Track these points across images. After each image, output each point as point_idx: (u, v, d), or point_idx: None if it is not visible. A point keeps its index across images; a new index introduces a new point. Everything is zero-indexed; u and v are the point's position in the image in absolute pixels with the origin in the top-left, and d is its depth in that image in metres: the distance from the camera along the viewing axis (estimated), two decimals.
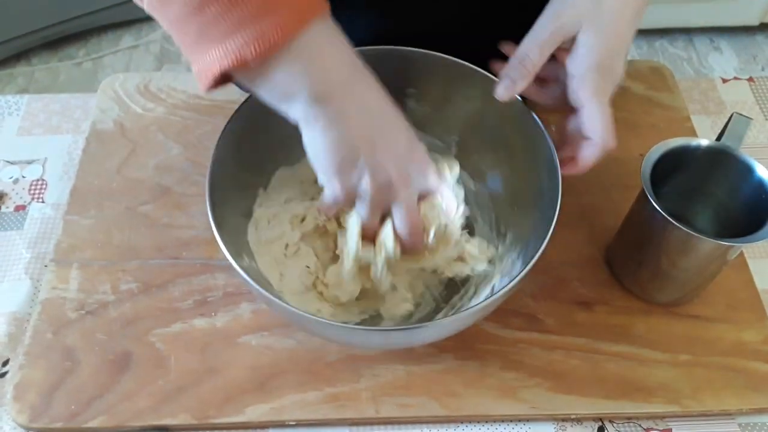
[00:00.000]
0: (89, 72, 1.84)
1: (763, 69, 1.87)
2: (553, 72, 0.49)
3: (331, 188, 0.44)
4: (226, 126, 0.51)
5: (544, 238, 0.45)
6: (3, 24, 1.74)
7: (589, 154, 0.48)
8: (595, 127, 0.47)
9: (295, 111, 0.42)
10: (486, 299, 0.45)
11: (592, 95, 0.46)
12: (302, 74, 0.40)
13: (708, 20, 1.86)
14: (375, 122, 0.43)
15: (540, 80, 0.50)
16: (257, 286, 0.44)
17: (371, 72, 0.43)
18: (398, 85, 0.55)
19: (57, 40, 1.86)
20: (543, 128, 0.50)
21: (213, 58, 0.38)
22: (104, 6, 1.83)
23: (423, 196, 0.47)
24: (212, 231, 0.46)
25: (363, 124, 0.42)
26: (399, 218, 0.46)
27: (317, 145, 0.43)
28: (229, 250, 0.45)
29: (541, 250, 0.45)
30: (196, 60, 0.40)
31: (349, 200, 0.46)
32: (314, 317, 0.45)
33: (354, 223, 0.48)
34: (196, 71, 0.40)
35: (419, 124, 0.60)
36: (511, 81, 0.48)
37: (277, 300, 0.44)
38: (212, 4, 0.37)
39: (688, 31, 1.95)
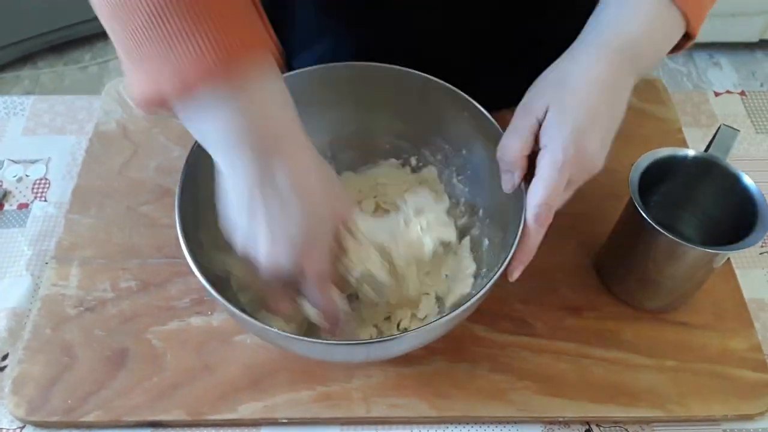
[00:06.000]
0: (94, 76, 1.87)
1: (762, 85, 1.89)
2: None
3: (234, 242, 0.43)
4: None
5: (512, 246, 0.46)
6: (10, 27, 1.76)
7: (522, 226, 0.45)
8: (533, 195, 0.44)
9: (219, 151, 0.40)
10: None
11: (548, 166, 0.44)
12: (238, 116, 0.38)
13: (708, 36, 1.88)
14: (293, 194, 0.40)
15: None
16: (220, 298, 0.44)
17: (303, 129, 0.42)
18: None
19: (63, 44, 1.89)
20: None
21: (157, 75, 0.36)
22: None
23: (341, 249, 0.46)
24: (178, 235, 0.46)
25: (278, 191, 0.40)
26: (309, 295, 0.45)
27: (228, 194, 0.41)
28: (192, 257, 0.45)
29: (502, 269, 0.45)
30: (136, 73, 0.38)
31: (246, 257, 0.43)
32: (268, 328, 0.44)
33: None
34: (136, 90, 0.38)
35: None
36: (510, 176, 0.48)
37: (238, 312, 0.43)
38: (171, 16, 0.35)
39: None
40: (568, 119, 0.44)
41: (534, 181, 0.45)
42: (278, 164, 0.40)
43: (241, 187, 0.40)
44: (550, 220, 0.45)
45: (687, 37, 0.49)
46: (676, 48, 0.50)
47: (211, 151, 0.41)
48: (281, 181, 0.40)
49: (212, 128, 0.39)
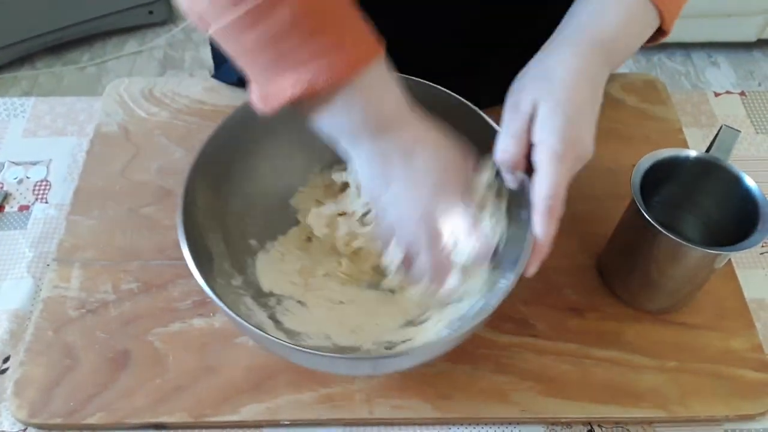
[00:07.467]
0: (93, 76, 1.86)
1: (760, 84, 1.89)
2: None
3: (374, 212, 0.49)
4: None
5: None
6: (8, 28, 1.76)
7: (535, 220, 0.45)
8: (539, 189, 0.45)
9: (346, 141, 0.46)
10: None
11: (549, 159, 0.44)
12: (359, 110, 0.44)
13: (706, 36, 1.89)
14: (411, 162, 0.45)
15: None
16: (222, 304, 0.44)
17: (417, 109, 0.47)
18: None
19: (61, 45, 1.88)
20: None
21: (285, 85, 0.41)
22: (109, 12, 1.85)
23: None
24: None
25: (398, 162, 0.45)
26: (420, 262, 0.48)
27: (361, 172, 0.47)
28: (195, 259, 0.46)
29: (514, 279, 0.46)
30: (265, 84, 0.42)
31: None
32: (261, 332, 0.44)
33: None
34: (261, 95, 0.43)
35: None
36: (513, 176, 0.49)
37: (238, 318, 0.44)
38: (290, 37, 0.40)
39: (686, 46, 1.97)
40: (560, 111, 0.45)
41: (537, 176, 0.45)
42: (390, 142, 0.45)
43: (373, 163, 0.46)
44: (561, 211, 0.45)
45: (661, 32, 0.51)
46: (651, 41, 0.52)
47: (337, 137, 0.46)
48: (404, 146, 0.45)
49: (336, 121, 0.45)
